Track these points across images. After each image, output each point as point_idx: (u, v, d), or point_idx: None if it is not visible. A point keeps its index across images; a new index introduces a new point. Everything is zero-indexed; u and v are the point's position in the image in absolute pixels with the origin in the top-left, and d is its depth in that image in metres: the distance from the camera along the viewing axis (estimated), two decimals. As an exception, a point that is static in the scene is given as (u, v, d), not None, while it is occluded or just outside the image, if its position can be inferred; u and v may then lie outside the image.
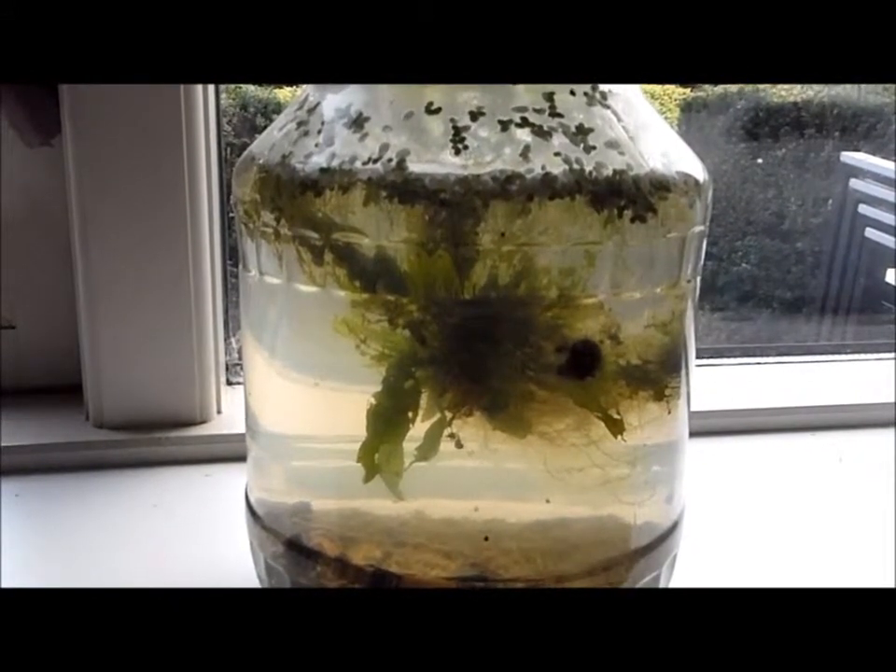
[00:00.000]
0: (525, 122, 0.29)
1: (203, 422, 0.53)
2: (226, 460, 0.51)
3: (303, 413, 0.33)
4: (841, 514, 0.49)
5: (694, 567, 0.39)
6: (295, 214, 0.30)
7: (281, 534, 0.34)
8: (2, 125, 0.51)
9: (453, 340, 0.30)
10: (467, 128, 0.29)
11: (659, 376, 0.32)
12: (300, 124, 0.32)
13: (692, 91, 1.07)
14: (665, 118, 0.34)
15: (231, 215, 0.45)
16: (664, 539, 0.35)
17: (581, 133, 0.30)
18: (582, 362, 0.30)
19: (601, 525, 0.33)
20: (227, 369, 0.57)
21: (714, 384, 0.62)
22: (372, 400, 0.31)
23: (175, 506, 0.47)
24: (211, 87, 0.51)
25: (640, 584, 0.34)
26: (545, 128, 0.30)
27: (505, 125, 0.29)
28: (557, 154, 0.29)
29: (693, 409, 0.36)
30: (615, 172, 0.29)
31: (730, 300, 1.07)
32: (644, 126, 0.32)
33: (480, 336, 0.30)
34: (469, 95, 0.30)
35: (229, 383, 0.57)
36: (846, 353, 0.69)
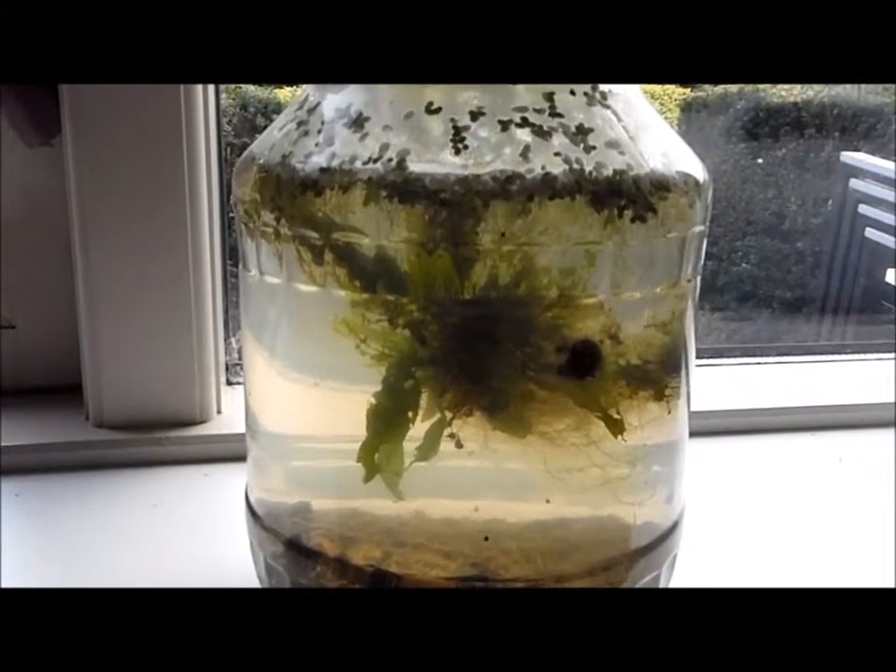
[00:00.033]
0: (525, 122, 0.29)
1: (202, 422, 0.53)
2: (226, 460, 0.51)
3: (303, 412, 0.33)
4: (841, 514, 0.49)
5: (694, 567, 0.39)
6: (295, 213, 0.30)
7: (281, 534, 0.34)
8: (2, 125, 0.51)
9: (453, 340, 0.30)
10: (467, 128, 0.29)
11: (659, 376, 0.32)
12: (300, 124, 0.32)
13: (692, 90, 1.07)
14: (665, 118, 0.34)
15: (230, 215, 0.45)
16: (663, 539, 0.35)
17: (582, 132, 0.30)
18: (582, 362, 0.30)
19: (601, 525, 0.33)
20: (227, 369, 0.57)
21: (714, 384, 0.62)
22: (372, 400, 0.31)
23: (175, 506, 0.47)
24: (211, 87, 0.51)
25: (640, 584, 0.34)
26: (545, 128, 0.30)
27: (505, 125, 0.29)
28: (557, 154, 0.29)
29: (693, 409, 0.36)
30: (615, 172, 0.29)
31: (730, 300, 1.07)
32: (644, 126, 0.32)
33: (480, 336, 0.30)
34: (468, 95, 0.30)
35: (229, 383, 0.57)
36: (846, 353, 0.69)
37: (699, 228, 0.32)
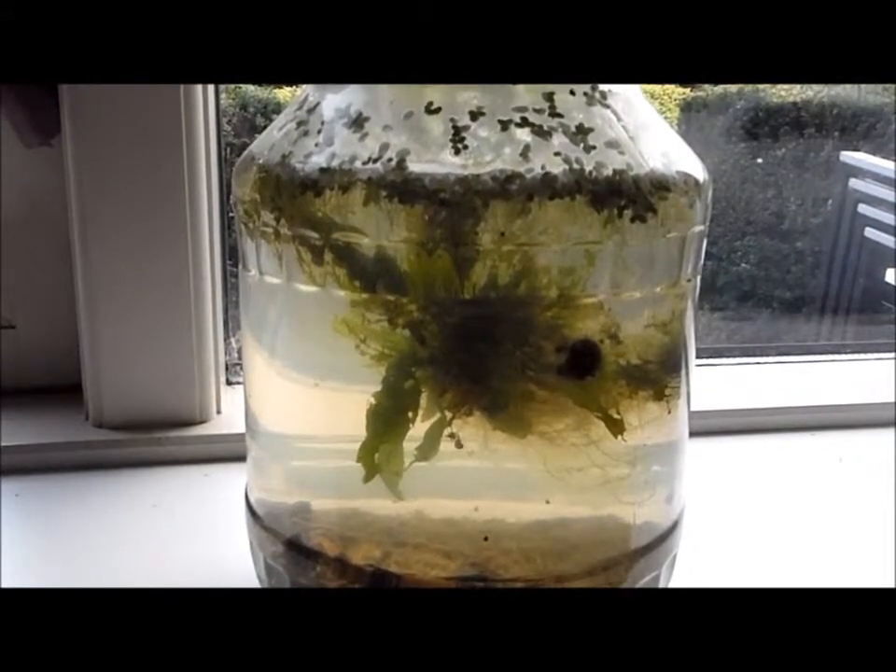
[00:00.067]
0: (524, 122, 0.29)
1: (202, 422, 0.53)
2: (225, 460, 0.51)
3: (303, 412, 0.33)
4: (841, 514, 0.49)
5: (694, 566, 0.40)
6: (295, 213, 0.30)
7: (281, 534, 0.34)
8: (2, 125, 0.51)
9: (452, 340, 0.30)
10: (467, 128, 0.29)
11: (659, 376, 0.32)
12: (299, 124, 0.32)
13: (692, 90, 1.07)
14: (665, 118, 0.34)
15: (230, 215, 0.45)
16: (663, 538, 0.35)
17: (581, 132, 0.30)
18: (582, 362, 0.30)
19: (601, 524, 0.33)
20: (227, 369, 0.57)
21: (714, 383, 0.62)
22: (372, 400, 0.31)
23: (175, 506, 0.47)
24: (211, 87, 0.51)
25: (640, 584, 0.34)
26: (545, 128, 0.30)
27: (505, 125, 0.29)
28: (557, 154, 0.29)
29: (692, 409, 0.36)
30: (615, 172, 0.29)
31: (730, 299, 1.07)
32: (644, 126, 0.32)
33: (480, 336, 0.30)
34: (468, 95, 0.30)
35: (228, 383, 0.57)
36: (845, 353, 0.69)
37: (699, 228, 0.32)
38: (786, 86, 1.05)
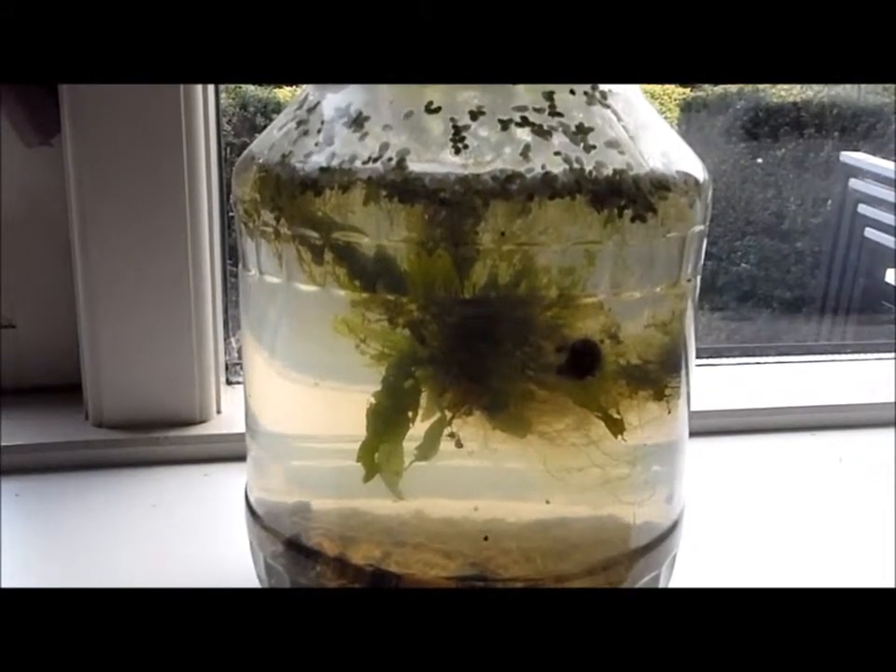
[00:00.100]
0: (524, 122, 0.29)
1: (202, 421, 0.53)
2: (225, 460, 0.51)
3: (303, 412, 0.33)
4: (841, 514, 0.49)
5: (694, 566, 0.39)
6: (295, 213, 0.30)
7: (280, 533, 0.34)
8: (2, 125, 0.51)
9: (452, 339, 0.30)
10: (467, 127, 0.29)
11: (659, 376, 0.32)
12: (299, 123, 0.32)
13: (692, 90, 1.07)
14: (665, 117, 0.34)
15: (230, 214, 0.45)
16: (663, 538, 0.35)
17: (581, 132, 0.30)
18: (582, 362, 0.30)
19: (601, 524, 0.33)
20: (227, 368, 0.57)
21: (714, 383, 0.62)
22: (372, 400, 0.31)
23: (175, 506, 0.47)
24: (211, 87, 0.51)
25: (640, 584, 0.34)
26: (545, 127, 0.30)
27: (505, 124, 0.29)
28: (557, 153, 0.29)
29: (692, 409, 0.36)
30: (615, 171, 0.29)
31: (730, 299, 1.07)
32: (644, 125, 0.32)
33: (480, 336, 0.30)
34: (468, 95, 0.30)
35: (228, 382, 0.57)
36: (845, 353, 0.69)
37: (699, 227, 0.32)
38: (786, 86, 1.05)
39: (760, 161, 1.08)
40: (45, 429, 0.52)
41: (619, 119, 0.31)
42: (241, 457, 0.38)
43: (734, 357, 0.67)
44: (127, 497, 0.48)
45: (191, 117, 0.49)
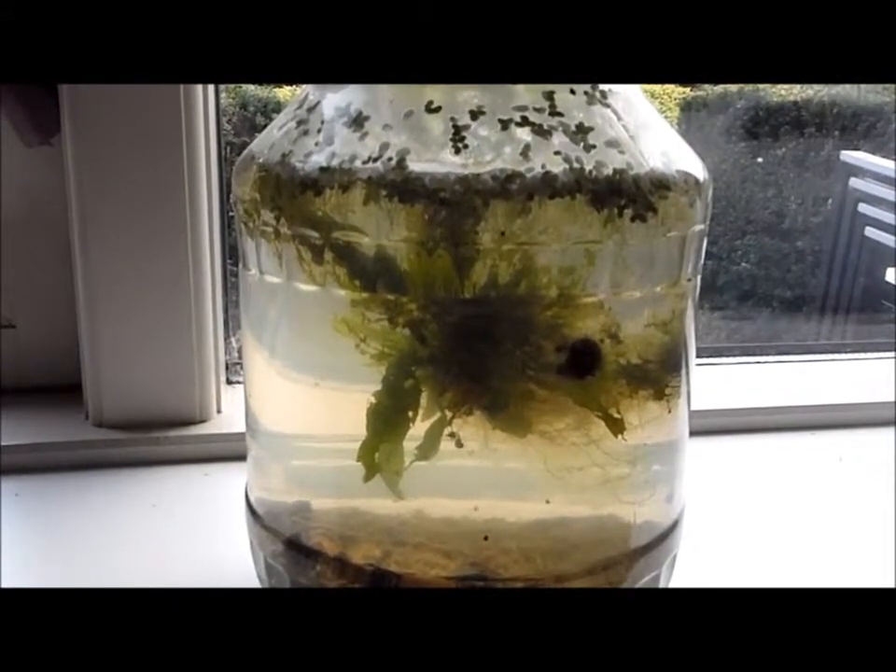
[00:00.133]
0: (525, 121, 0.29)
1: (202, 421, 0.53)
2: (225, 459, 0.51)
3: (303, 412, 0.33)
4: (841, 514, 0.49)
5: (694, 566, 0.39)
6: (295, 213, 0.30)
7: (281, 533, 0.34)
8: (2, 125, 0.51)
9: (453, 339, 0.30)
10: (467, 127, 0.29)
11: (659, 375, 0.32)
12: (299, 123, 0.32)
13: (692, 90, 1.07)
14: (665, 117, 0.34)
15: (230, 214, 0.45)
16: (663, 538, 0.35)
17: (582, 131, 0.30)
18: (582, 361, 0.30)
19: (601, 524, 0.33)
20: (227, 368, 0.57)
21: (714, 383, 0.62)
22: (372, 399, 0.31)
23: (175, 505, 0.47)
24: (211, 86, 0.51)
25: (640, 584, 0.34)
26: (545, 127, 0.30)
27: (505, 124, 0.29)
28: (557, 153, 0.29)
29: (693, 408, 0.36)
30: (615, 171, 0.29)
31: (730, 299, 1.07)
32: (644, 125, 0.32)
33: (480, 335, 0.30)
34: (469, 94, 0.30)
35: (228, 382, 0.57)
36: (845, 352, 0.69)
37: (699, 227, 0.32)
38: (786, 85, 1.05)
39: (760, 160, 1.08)
40: (45, 429, 0.52)
41: (619, 119, 0.31)
42: (241, 457, 0.38)
43: (734, 356, 0.67)
44: (127, 497, 0.48)
45: (191, 116, 0.49)
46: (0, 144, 0.52)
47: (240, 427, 0.37)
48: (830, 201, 1.13)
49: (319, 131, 0.31)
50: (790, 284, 1.09)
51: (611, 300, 0.30)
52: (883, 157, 1.05)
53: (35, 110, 0.50)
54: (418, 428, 0.31)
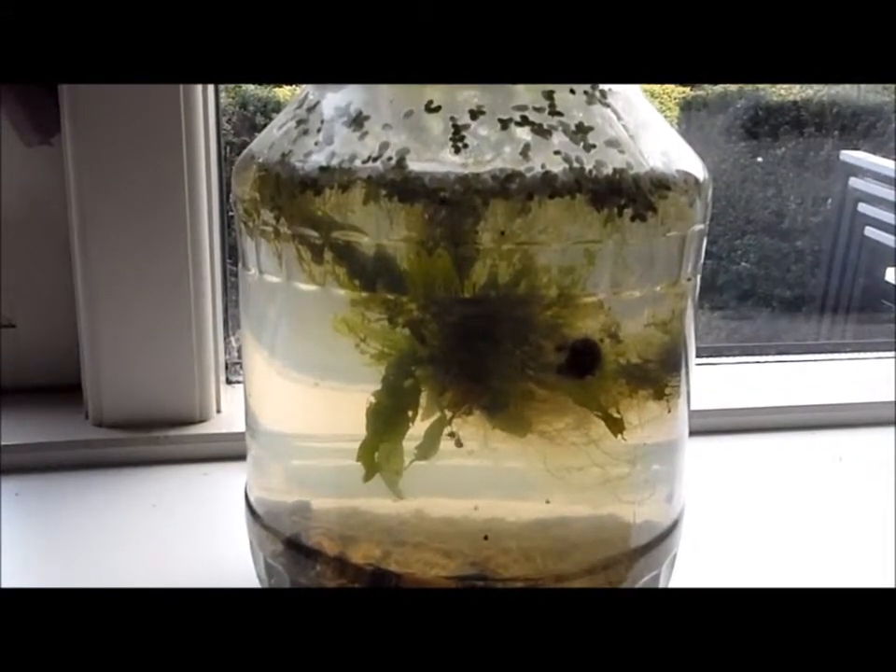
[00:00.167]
0: (524, 121, 0.29)
1: (202, 421, 0.53)
2: (225, 459, 0.51)
3: (303, 411, 0.33)
4: (841, 514, 0.49)
5: (694, 566, 0.39)
6: (294, 212, 0.30)
7: (280, 533, 0.34)
8: (2, 125, 0.51)
9: (452, 339, 0.30)
10: (466, 126, 0.29)
11: (659, 375, 0.32)
12: (299, 123, 0.32)
13: (691, 90, 1.07)
14: (665, 116, 0.34)
15: (230, 214, 0.45)
16: (663, 538, 0.35)
17: (581, 131, 0.30)
18: (582, 361, 0.30)
19: (601, 524, 0.33)
20: (226, 368, 0.57)
21: (714, 382, 0.62)
22: (372, 399, 0.31)
23: (175, 505, 0.47)
24: (211, 86, 0.51)
25: (640, 584, 0.34)
26: (545, 126, 0.30)
27: (505, 124, 0.29)
28: (557, 153, 0.29)
29: (692, 408, 0.36)
30: (615, 170, 0.29)
31: (729, 298, 1.07)
32: (644, 125, 0.32)
33: (479, 335, 0.30)
34: (468, 94, 0.30)
35: (228, 382, 0.57)
36: (845, 352, 0.69)
37: (699, 226, 0.32)
38: (786, 85, 1.05)
39: (760, 159, 1.08)
40: (45, 429, 0.52)
41: (619, 118, 0.31)
42: (241, 457, 0.38)
43: (733, 355, 0.67)
44: (127, 497, 0.48)
45: (191, 116, 0.49)
46: (0, 144, 0.52)
47: (240, 426, 0.37)
48: (829, 200, 1.13)
49: (319, 130, 0.31)
50: (789, 283, 1.09)
51: (611, 299, 0.30)
52: (883, 157, 1.05)
53: (35, 110, 0.50)
54: (418, 428, 0.31)
